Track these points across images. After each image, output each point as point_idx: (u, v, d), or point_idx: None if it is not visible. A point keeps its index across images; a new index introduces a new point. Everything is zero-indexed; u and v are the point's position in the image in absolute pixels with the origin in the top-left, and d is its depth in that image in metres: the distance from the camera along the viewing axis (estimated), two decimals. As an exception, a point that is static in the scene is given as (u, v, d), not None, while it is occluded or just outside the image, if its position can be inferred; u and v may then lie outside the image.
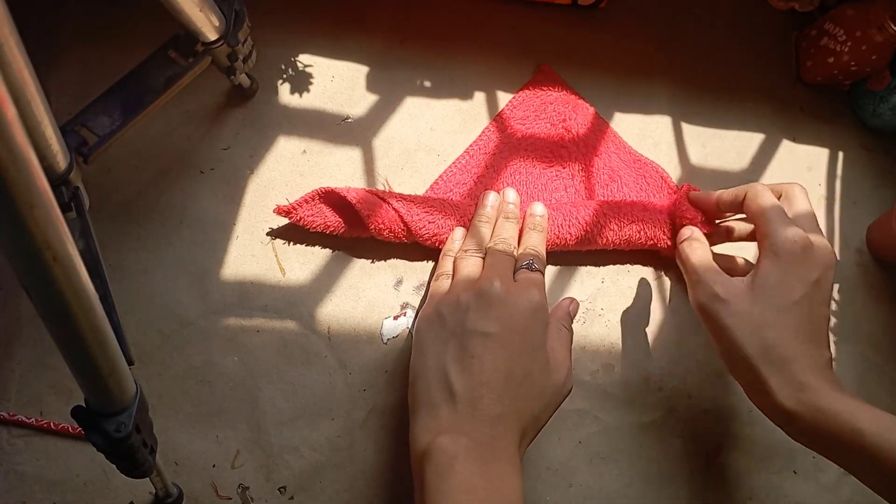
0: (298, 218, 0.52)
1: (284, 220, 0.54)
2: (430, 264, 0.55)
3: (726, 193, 0.52)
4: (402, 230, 0.52)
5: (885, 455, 0.40)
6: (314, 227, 0.52)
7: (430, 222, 0.52)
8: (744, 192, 0.51)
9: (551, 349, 0.45)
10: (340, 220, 0.52)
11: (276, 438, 0.49)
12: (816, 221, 0.49)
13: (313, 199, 0.52)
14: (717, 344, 0.48)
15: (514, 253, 0.50)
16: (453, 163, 0.57)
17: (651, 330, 0.56)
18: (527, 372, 0.43)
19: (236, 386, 0.50)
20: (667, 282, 0.58)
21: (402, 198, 0.53)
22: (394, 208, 0.51)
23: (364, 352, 0.52)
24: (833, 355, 0.58)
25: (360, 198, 0.51)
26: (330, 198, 0.52)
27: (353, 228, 0.53)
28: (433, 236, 0.52)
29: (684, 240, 0.52)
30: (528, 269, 0.48)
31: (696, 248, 0.51)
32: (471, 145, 0.58)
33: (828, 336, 0.46)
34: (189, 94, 0.54)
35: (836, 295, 0.61)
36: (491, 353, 0.43)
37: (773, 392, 0.43)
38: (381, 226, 0.51)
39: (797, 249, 0.46)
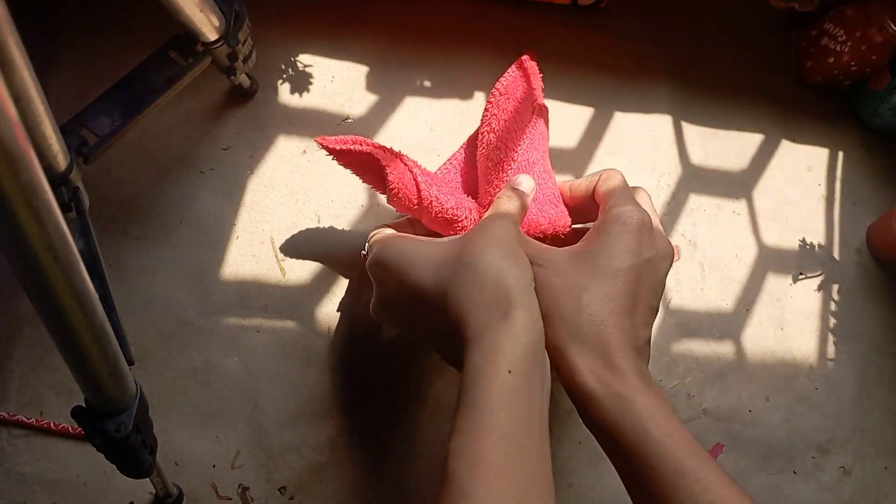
0: (334, 149, 0.49)
1: (284, 220, 0.54)
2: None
3: (580, 182, 0.49)
4: (415, 196, 0.49)
5: (661, 471, 0.36)
6: (345, 163, 0.49)
7: (439, 194, 0.50)
8: (597, 177, 0.48)
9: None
10: (365, 164, 0.50)
11: (276, 438, 0.49)
12: (657, 221, 0.46)
13: (351, 143, 0.49)
14: (541, 306, 0.41)
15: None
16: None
17: (651, 331, 0.56)
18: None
19: (236, 386, 0.50)
20: (667, 282, 0.58)
21: (422, 170, 0.50)
22: (412, 172, 0.49)
23: (364, 352, 0.52)
24: (832, 356, 0.58)
25: (385, 155, 0.49)
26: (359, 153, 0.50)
27: (375, 177, 0.50)
28: (441, 209, 0.49)
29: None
30: None
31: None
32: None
33: (651, 321, 0.43)
34: (189, 94, 0.54)
35: (835, 295, 0.61)
36: None
37: (577, 364, 0.39)
38: (398, 184, 0.48)
39: (633, 222, 0.42)
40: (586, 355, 0.39)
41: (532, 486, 0.34)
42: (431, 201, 0.47)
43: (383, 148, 0.48)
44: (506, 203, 0.44)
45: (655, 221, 0.45)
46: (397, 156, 0.48)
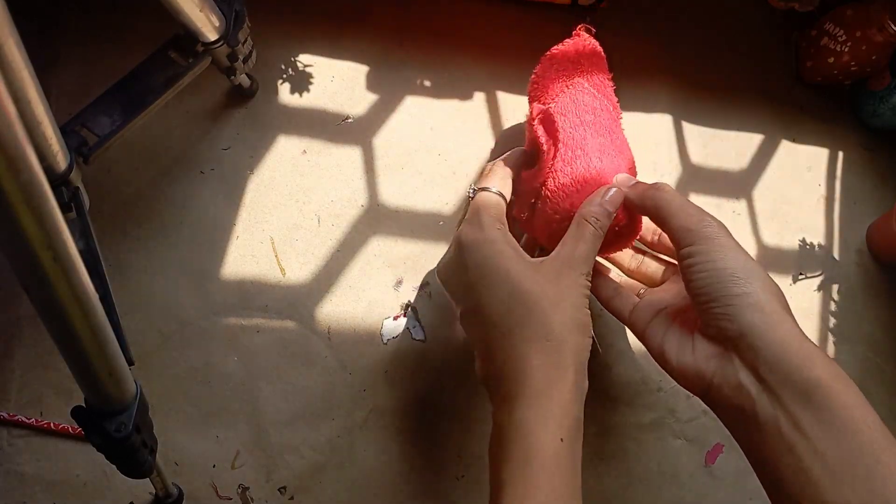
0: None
1: (284, 220, 0.54)
2: (430, 264, 0.55)
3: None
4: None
5: None
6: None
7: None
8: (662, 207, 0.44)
9: (500, 265, 0.43)
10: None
11: (276, 438, 0.49)
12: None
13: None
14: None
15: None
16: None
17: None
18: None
19: (236, 386, 0.50)
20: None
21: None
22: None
23: (364, 352, 0.52)
24: (832, 356, 0.58)
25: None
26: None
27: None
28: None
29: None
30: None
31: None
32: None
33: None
34: (189, 94, 0.54)
35: (835, 295, 0.61)
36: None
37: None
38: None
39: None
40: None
41: None
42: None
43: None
44: (586, 245, 0.43)
45: None
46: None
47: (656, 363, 0.43)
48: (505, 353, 0.40)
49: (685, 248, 0.41)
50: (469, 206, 0.47)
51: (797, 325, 0.39)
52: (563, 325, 0.40)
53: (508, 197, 0.48)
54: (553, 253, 0.43)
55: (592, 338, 0.42)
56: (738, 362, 0.38)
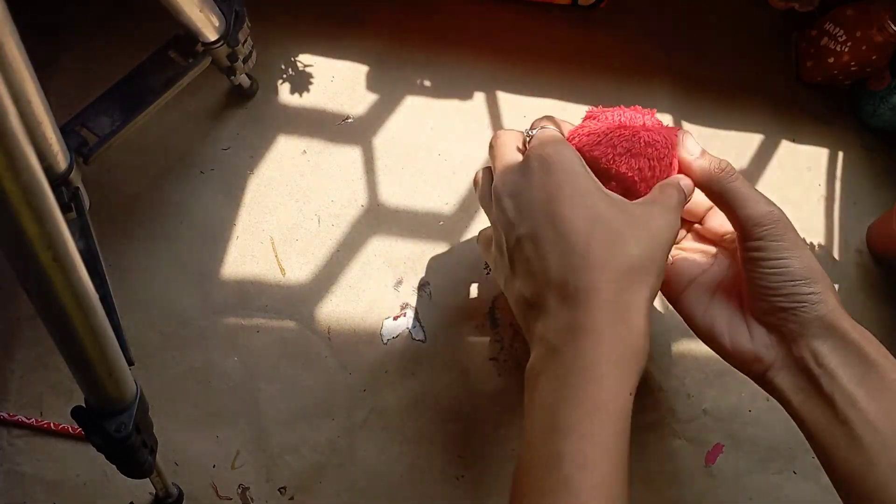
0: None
1: (284, 220, 0.54)
2: (431, 264, 0.55)
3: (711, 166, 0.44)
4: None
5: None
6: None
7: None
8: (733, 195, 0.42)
9: (590, 185, 0.38)
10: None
11: (276, 438, 0.49)
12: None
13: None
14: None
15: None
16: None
17: (651, 330, 0.56)
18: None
19: (236, 386, 0.50)
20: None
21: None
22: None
23: (364, 352, 0.52)
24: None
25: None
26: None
27: None
28: None
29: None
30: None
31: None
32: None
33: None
34: (189, 94, 0.54)
35: (836, 295, 0.61)
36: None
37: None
38: None
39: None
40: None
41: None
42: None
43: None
44: (674, 199, 0.41)
45: None
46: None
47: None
48: (578, 276, 0.36)
49: (754, 241, 0.41)
50: (531, 141, 0.42)
51: (848, 315, 0.40)
52: (646, 262, 0.37)
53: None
54: (641, 200, 0.40)
55: None
56: (800, 350, 0.40)
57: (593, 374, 0.34)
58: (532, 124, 0.44)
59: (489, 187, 0.42)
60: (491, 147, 0.44)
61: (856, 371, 0.38)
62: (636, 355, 0.36)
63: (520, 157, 0.41)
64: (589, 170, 0.40)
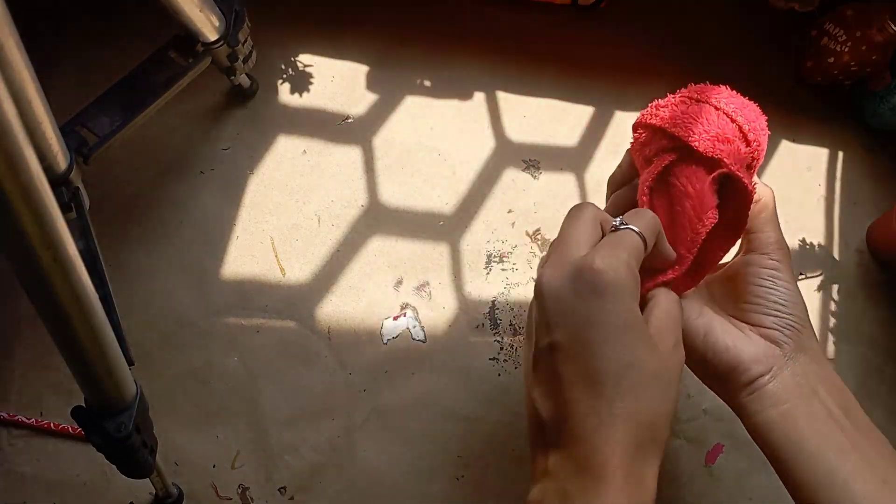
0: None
1: (284, 220, 0.54)
2: (431, 264, 0.55)
3: None
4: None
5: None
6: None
7: None
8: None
9: (636, 321, 0.34)
10: None
11: (276, 438, 0.49)
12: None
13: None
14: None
15: None
16: None
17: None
18: (608, 363, 0.33)
19: (236, 386, 0.50)
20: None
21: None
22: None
23: (364, 352, 0.52)
24: (832, 356, 0.58)
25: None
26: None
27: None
28: None
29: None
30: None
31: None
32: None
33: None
34: (189, 94, 0.54)
35: (835, 295, 0.61)
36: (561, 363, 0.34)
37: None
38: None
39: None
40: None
41: None
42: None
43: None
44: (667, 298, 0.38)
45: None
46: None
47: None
48: (600, 422, 0.33)
49: (762, 255, 0.42)
50: (607, 238, 0.37)
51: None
52: (664, 419, 0.35)
53: (650, 247, 0.38)
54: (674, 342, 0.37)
55: None
56: (796, 363, 0.41)
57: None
58: (627, 215, 0.38)
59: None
60: (566, 218, 0.39)
61: (839, 400, 0.40)
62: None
63: (583, 253, 0.36)
64: (637, 303, 0.36)
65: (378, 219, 0.55)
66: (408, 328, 0.53)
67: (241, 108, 0.57)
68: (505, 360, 0.53)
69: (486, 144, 0.60)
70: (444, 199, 0.57)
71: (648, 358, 0.34)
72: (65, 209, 0.42)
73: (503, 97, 0.61)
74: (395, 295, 0.54)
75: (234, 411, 0.50)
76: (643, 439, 0.34)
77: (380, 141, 0.58)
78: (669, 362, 0.35)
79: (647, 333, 0.35)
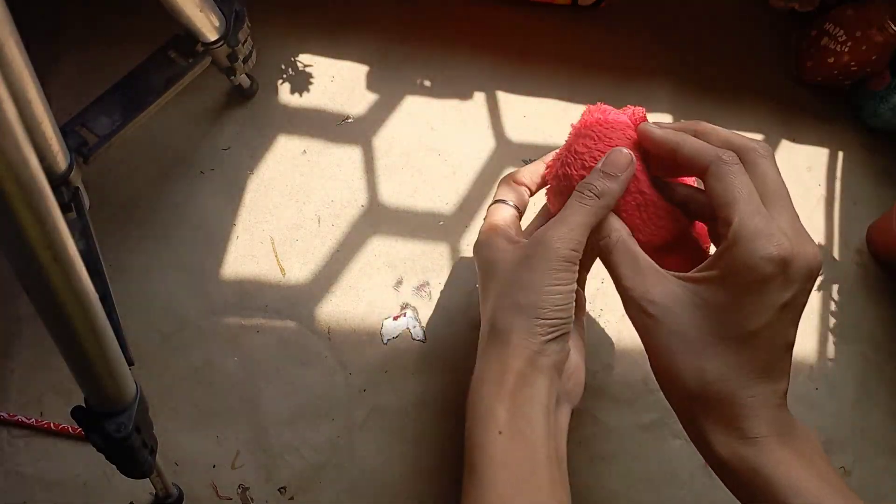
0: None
1: (284, 220, 0.54)
2: (431, 264, 0.55)
3: (688, 146, 0.39)
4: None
5: None
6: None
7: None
8: (705, 156, 0.38)
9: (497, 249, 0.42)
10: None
11: (276, 438, 0.49)
12: (791, 202, 0.39)
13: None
14: (651, 360, 0.39)
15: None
16: None
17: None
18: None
19: (236, 386, 0.50)
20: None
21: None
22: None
23: (364, 352, 0.52)
24: (832, 356, 0.58)
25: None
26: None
27: None
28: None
29: (611, 231, 0.40)
30: None
31: (623, 238, 0.39)
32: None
33: (790, 362, 0.37)
34: (189, 94, 0.54)
35: (835, 295, 0.61)
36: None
37: (707, 434, 0.36)
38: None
39: (769, 270, 0.34)
40: (720, 430, 0.35)
41: None
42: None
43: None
44: (567, 222, 0.39)
45: (791, 212, 0.38)
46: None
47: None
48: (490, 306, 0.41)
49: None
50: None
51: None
52: (509, 314, 0.38)
53: (524, 209, 0.46)
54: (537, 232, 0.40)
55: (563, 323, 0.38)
56: None
57: (468, 426, 0.38)
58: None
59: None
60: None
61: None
62: (503, 406, 0.38)
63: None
64: (502, 233, 0.43)
65: (378, 219, 0.55)
66: (408, 328, 0.53)
67: (241, 108, 0.57)
68: (505, 360, 0.53)
69: (486, 144, 0.60)
70: (444, 199, 0.57)
71: (504, 266, 0.40)
72: (65, 209, 0.42)
73: (503, 97, 0.61)
74: (395, 295, 0.54)
75: (234, 411, 0.50)
76: (497, 341, 0.39)
77: (380, 141, 0.58)
78: (517, 266, 0.39)
79: (502, 254, 0.41)
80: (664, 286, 0.37)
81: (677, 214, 0.43)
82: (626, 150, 0.40)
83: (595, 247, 0.41)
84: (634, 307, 0.37)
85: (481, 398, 0.37)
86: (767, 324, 0.35)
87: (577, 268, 0.39)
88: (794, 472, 0.34)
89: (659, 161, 0.42)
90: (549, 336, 0.38)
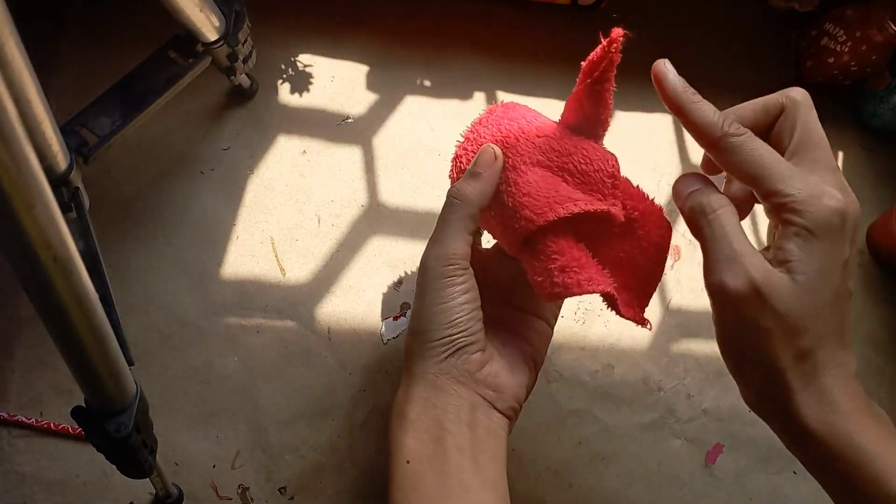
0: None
1: (284, 220, 0.54)
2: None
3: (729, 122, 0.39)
4: None
5: None
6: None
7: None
8: (712, 131, 0.38)
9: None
10: None
11: (276, 438, 0.49)
12: (831, 152, 0.38)
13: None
14: (727, 339, 0.37)
15: None
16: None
17: (651, 330, 0.56)
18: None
19: (236, 386, 0.50)
20: (667, 281, 0.58)
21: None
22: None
23: (364, 352, 0.52)
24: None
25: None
26: None
27: None
28: None
29: (700, 200, 0.38)
30: None
31: (723, 214, 0.37)
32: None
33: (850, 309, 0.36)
34: (189, 94, 0.54)
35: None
36: None
37: (797, 407, 0.35)
38: None
39: (836, 221, 0.34)
40: (812, 402, 0.35)
41: None
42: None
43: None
44: (447, 221, 0.42)
45: (832, 161, 0.38)
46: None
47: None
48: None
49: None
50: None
51: None
52: (408, 344, 0.40)
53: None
54: None
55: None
56: None
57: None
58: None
59: None
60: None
61: None
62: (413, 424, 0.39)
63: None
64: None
65: (378, 219, 0.56)
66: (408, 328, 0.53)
67: (241, 108, 0.57)
68: (505, 360, 0.53)
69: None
70: (443, 199, 0.57)
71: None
72: (65, 209, 0.42)
73: (503, 97, 0.61)
74: (395, 295, 0.54)
75: (234, 411, 0.50)
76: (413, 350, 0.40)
77: (380, 141, 0.58)
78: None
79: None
80: (766, 269, 0.35)
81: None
82: (490, 147, 0.42)
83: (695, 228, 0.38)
84: (742, 284, 0.34)
85: (391, 431, 0.39)
86: (840, 283, 0.34)
87: (463, 278, 0.39)
88: (883, 437, 0.35)
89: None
90: (445, 354, 0.39)
